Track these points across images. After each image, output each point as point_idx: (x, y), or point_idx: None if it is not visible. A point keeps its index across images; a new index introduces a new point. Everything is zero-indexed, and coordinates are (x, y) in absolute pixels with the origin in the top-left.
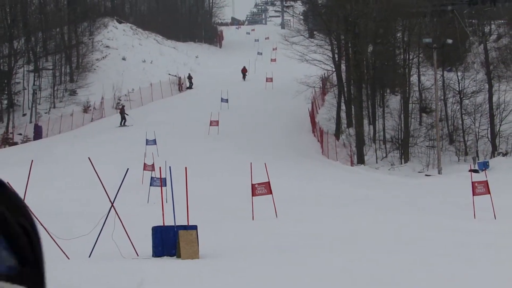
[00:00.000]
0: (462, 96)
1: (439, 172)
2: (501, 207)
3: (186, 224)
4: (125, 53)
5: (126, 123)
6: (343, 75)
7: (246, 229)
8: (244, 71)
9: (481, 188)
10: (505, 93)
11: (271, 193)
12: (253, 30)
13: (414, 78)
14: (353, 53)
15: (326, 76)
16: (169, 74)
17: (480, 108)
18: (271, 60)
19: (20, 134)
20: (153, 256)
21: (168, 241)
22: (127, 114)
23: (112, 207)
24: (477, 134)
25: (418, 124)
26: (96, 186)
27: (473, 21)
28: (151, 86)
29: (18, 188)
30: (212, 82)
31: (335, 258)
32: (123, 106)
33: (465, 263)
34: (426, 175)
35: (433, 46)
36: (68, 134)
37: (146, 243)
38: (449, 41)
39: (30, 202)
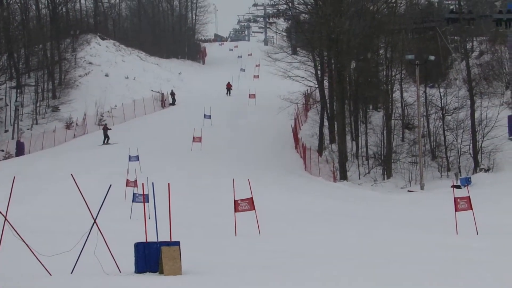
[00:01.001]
0: (444, 112)
1: (422, 188)
2: (483, 223)
3: (169, 240)
4: (108, 70)
5: (109, 141)
6: (326, 91)
7: (229, 245)
8: (228, 86)
9: (463, 204)
10: (487, 109)
11: (254, 209)
12: (236, 46)
13: (396, 95)
14: (336, 70)
15: (309, 92)
16: (152, 90)
17: (462, 124)
18: (254, 76)
19: (2, 150)
20: (135, 272)
21: (151, 257)
22: (110, 129)
23: (95, 223)
24: (460, 150)
25: (400, 140)
26: (78, 202)
27: (456, 37)
28: (134, 103)
29: (0, 204)
30: (195, 98)
31: (318, 275)
32: (106, 124)
33: (447, 279)
34: (408, 191)
35: (415, 62)
36: (50, 150)
37: (128, 259)
38: (432, 57)
39: (12, 218)
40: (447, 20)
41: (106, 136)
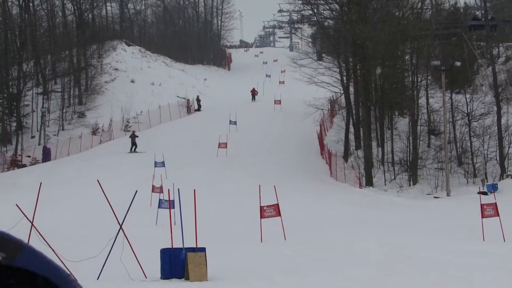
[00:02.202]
0: (470, 118)
1: (448, 194)
2: (510, 229)
3: (195, 246)
4: (134, 76)
5: (136, 150)
6: (352, 97)
7: (254, 252)
8: (253, 92)
9: (490, 211)
10: None
11: (279, 215)
12: (261, 52)
13: (422, 101)
14: (362, 76)
15: (334, 98)
16: (178, 96)
17: (488, 130)
18: (280, 82)
19: (29, 156)
20: (161, 278)
21: (177, 263)
22: (137, 136)
23: (121, 229)
24: (486, 156)
25: (426, 146)
26: (104, 208)
27: (482, 43)
28: (159, 109)
29: (27, 210)
30: (220, 104)
31: (344, 282)
32: (134, 132)
33: (475, 286)
34: (434, 197)
35: (441, 68)
36: (76, 156)
37: (154, 265)
38: (458, 63)
39: (39, 224)
40: (469, 27)
41: (134, 144)
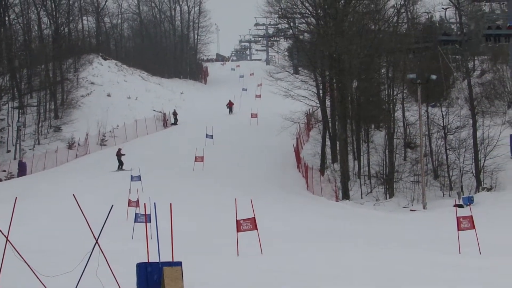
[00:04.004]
0: (446, 132)
1: (424, 207)
2: (486, 242)
3: (171, 260)
4: (110, 90)
5: (123, 167)
6: (328, 110)
7: (231, 266)
8: (230, 104)
9: (466, 223)
10: (489, 128)
11: (256, 228)
12: (238, 66)
13: (398, 114)
14: (338, 89)
15: (310, 111)
16: (154, 110)
17: (464, 143)
18: (256, 96)
19: (4, 170)
20: None
21: (153, 278)
22: (124, 154)
23: (97, 243)
24: (462, 169)
25: (402, 160)
26: (80, 222)
27: (457, 57)
28: (136, 122)
29: (2, 225)
30: (197, 118)
31: None
32: (120, 150)
33: None
34: (411, 210)
35: (417, 81)
36: (52, 170)
37: (130, 280)
38: (433, 76)
39: (14, 239)
40: (440, 41)
41: (120, 162)
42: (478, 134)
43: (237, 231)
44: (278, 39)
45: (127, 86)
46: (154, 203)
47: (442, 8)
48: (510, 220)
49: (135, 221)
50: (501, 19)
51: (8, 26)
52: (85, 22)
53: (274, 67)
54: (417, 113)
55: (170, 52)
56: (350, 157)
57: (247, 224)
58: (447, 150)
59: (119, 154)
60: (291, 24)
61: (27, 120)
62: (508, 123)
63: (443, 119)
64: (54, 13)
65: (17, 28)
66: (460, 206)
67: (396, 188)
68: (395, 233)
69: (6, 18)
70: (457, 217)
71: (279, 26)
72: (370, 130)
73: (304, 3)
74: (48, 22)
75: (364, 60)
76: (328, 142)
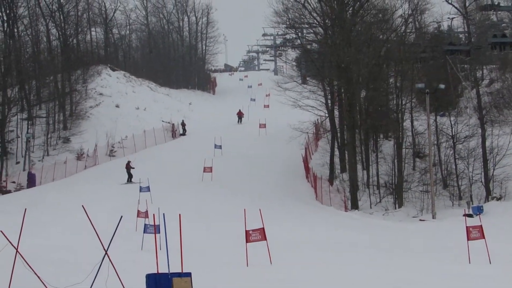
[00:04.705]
0: (455, 141)
1: (434, 217)
2: (496, 252)
3: (180, 271)
4: (119, 101)
5: (132, 180)
6: (336, 120)
7: (240, 276)
8: (240, 114)
9: (475, 233)
10: (498, 137)
11: (265, 239)
12: (246, 76)
13: (407, 123)
14: (346, 99)
15: (319, 121)
16: (163, 121)
17: (473, 152)
18: (264, 106)
19: (14, 182)
20: None
21: None
22: (133, 168)
23: (106, 255)
24: (471, 178)
25: (411, 169)
26: (89, 233)
27: (466, 66)
28: (144, 133)
29: (12, 236)
30: (205, 128)
31: None
32: (129, 162)
33: None
34: (420, 220)
35: (425, 91)
36: (61, 181)
37: None
38: (442, 86)
39: (24, 250)
40: (445, 51)
41: (129, 175)
42: (487, 143)
43: (246, 242)
44: (286, 49)
45: (136, 97)
46: (163, 214)
47: (448, 18)
48: None
49: (144, 232)
50: (509, 28)
51: (17, 38)
52: (93, 33)
53: (282, 77)
54: (425, 122)
55: (178, 63)
56: (359, 166)
57: (256, 235)
58: (456, 160)
59: (128, 167)
60: (299, 34)
61: (36, 131)
62: None
63: (451, 128)
64: (62, 24)
65: (26, 39)
66: (470, 215)
67: (405, 198)
68: (404, 243)
69: (15, 30)
70: (466, 226)
71: (287, 36)
72: (378, 139)
73: (312, 13)
74: (57, 33)
75: (372, 70)
76: (336, 152)
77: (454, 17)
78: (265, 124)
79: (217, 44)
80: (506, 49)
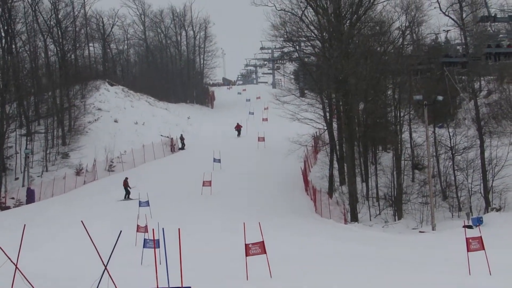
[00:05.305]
0: (454, 152)
1: (433, 229)
2: (496, 263)
3: (180, 285)
4: (117, 115)
5: (130, 197)
6: (335, 133)
7: None
8: (238, 127)
9: (475, 244)
10: (497, 148)
11: (265, 252)
12: (244, 90)
13: (405, 135)
14: (344, 111)
15: (318, 134)
16: (161, 135)
17: (472, 163)
18: (263, 119)
19: (13, 198)
20: None
21: None
22: (130, 187)
23: (106, 270)
24: (470, 189)
25: (411, 181)
26: (89, 248)
27: (463, 77)
28: (143, 148)
29: (11, 253)
30: (204, 142)
31: None
32: (127, 179)
33: None
34: (420, 231)
35: (423, 103)
36: (60, 197)
37: None
38: (440, 97)
39: (23, 266)
40: (441, 63)
41: (127, 191)
42: (486, 154)
43: (246, 255)
44: (284, 62)
45: (134, 111)
46: (163, 229)
47: (444, 30)
48: None
49: (144, 247)
50: (506, 39)
51: (15, 54)
52: (91, 48)
53: (280, 91)
54: (424, 134)
55: (177, 77)
56: (358, 179)
57: (256, 248)
58: (455, 171)
59: (125, 184)
60: (297, 47)
61: (35, 147)
62: None
63: (450, 140)
64: (60, 40)
65: (24, 55)
66: (469, 227)
67: (404, 210)
68: (404, 255)
69: (13, 46)
70: (466, 238)
71: (285, 49)
72: (377, 152)
73: (309, 26)
74: (55, 49)
75: (370, 82)
76: (335, 165)
77: (449, 30)
78: (263, 137)
79: (215, 58)
80: (500, 59)
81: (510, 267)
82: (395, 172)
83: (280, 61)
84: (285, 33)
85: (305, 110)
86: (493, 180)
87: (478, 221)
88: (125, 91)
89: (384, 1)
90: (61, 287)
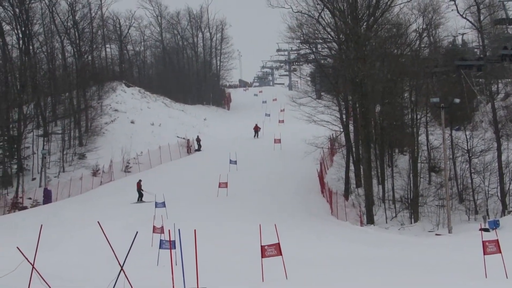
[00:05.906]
0: (471, 155)
1: (450, 231)
2: None
3: (196, 287)
4: (134, 117)
5: (143, 199)
6: (351, 135)
7: None
8: (256, 128)
9: (492, 247)
10: None
11: (281, 254)
12: (260, 92)
13: (422, 138)
14: (361, 114)
15: (334, 136)
16: (178, 136)
17: (489, 166)
18: (279, 121)
19: (30, 198)
20: None
21: None
22: (143, 190)
23: (122, 270)
24: (487, 192)
25: (427, 184)
26: (105, 249)
27: (480, 80)
28: (159, 149)
29: (28, 253)
30: (220, 144)
31: None
32: (140, 181)
33: None
34: (436, 234)
35: (440, 105)
36: (77, 198)
37: None
38: (457, 100)
39: (40, 266)
40: (457, 66)
41: (140, 194)
42: (503, 157)
43: (262, 257)
44: (300, 64)
45: (151, 113)
46: (179, 230)
47: (459, 33)
48: None
49: (160, 248)
50: None
51: (33, 55)
52: (108, 49)
53: (296, 93)
54: (441, 137)
55: (193, 79)
56: (374, 181)
57: (272, 250)
58: (472, 174)
59: (139, 187)
60: (313, 49)
61: (52, 147)
62: None
63: (467, 142)
64: (77, 41)
65: (41, 56)
66: (486, 230)
67: (421, 213)
68: (420, 258)
69: (30, 47)
70: (483, 241)
71: (301, 51)
72: (394, 154)
73: (326, 28)
74: (72, 50)
75: (386, 84)
76: (352, 167)
77: (468, 32)
78: (280, 139)
79: (232, 60)
80: None
81: None
82: (411, 175)
83: (297, 63)
84: (301, 35)
85: (321, 112)
86: (510, 183)
87: (495, 224)
88: (141, 92)
89: (401, 4)
90: (77, 287)
